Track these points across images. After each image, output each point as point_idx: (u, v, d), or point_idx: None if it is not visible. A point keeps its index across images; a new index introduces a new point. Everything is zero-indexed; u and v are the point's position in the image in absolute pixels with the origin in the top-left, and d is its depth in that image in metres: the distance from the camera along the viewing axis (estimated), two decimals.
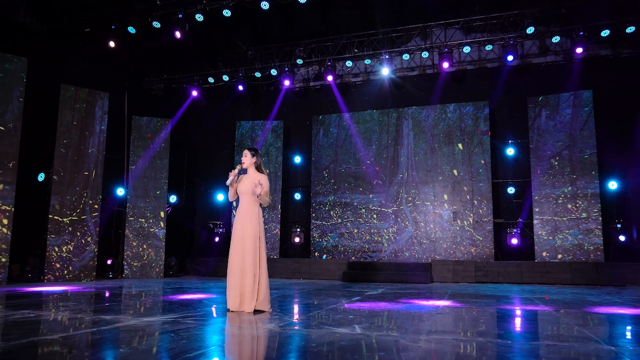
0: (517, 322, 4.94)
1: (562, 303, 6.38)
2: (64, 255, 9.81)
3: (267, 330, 3.97)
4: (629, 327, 4.60)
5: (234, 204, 5.33)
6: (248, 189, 5.23)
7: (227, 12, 9.86)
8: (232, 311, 4.97)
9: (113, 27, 10.46)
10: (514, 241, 10.99)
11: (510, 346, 3.46)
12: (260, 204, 5.33)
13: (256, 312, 4.96)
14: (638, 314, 5.38)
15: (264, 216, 12.22)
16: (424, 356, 3.08)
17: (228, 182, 5.33)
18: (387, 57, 11.77)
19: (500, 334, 4.06)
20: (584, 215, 10.33)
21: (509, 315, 5.38)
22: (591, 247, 10.17)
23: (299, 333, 3.88)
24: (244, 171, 5.40)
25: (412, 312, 5.36)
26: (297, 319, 4.71)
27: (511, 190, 11.38)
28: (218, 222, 12.90)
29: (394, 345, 3.42)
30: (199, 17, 10.03)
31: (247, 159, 5.34)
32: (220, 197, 13.03)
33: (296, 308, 5.79)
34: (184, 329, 3.96)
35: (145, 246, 11.35)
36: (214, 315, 4.93)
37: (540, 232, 10.68)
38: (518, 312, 5.69)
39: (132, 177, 11.47)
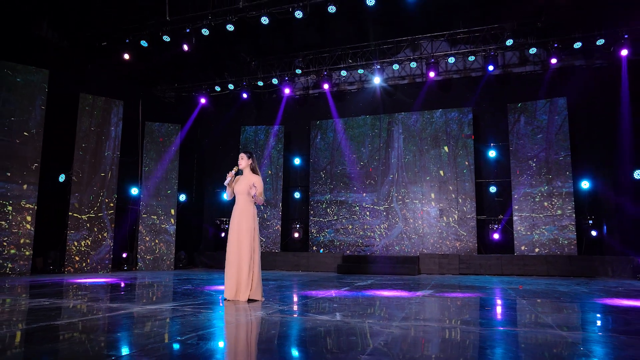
0: (486, 310, 5.00)
1: (533, 293, 6.44)
2: (83, 249, 9.94)
3: (255, 318, 4.06)
4: (587, 315, 4.66)
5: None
6: (244, 189, 5.32)
7: (230, 27, 9.96)
8: (228, 300, 5.07)
9: (127, 40, 10.58)
10: (496, 236, 11.05)
11: (472, 331, 3.54)
12: (255, 203, 5.40)
13: (250, 300, 5.06)
14: (600, 302, 5.43)
15: (267, 214, 12.42)
16: (390, 340, 3.16)
17: (226, 183, 5.43)
18: (378, 67, 11.85)
19: (467, 320, 4.13)
20: (559, 212, 10.37)
21: (480, 304, 5.44)
22: (565, 242, 10.21)
23: (283, 320, 3.96)
24: (240, 172, 5.49)
25: (392, 300, 5.43)
26: (285, 308, 4.79)
27: (493, 189, 11.43)
28: (224, 219, 13.01)
29: (366, 330, 3.50)
30: (205, 32, 10.13)
31: (243, 161, 5.43)
32: (226, 196, 13.12)
33: (287, 297, 5.87)
34: (180, 315, 4.05)
35: (157, 241, 11.48)
36: (211, 303, 5.01)
37: (519, 228, 10.73)
38: (490, 301, 5.75)
39: (145, 178, 11.60)
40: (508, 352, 2.87)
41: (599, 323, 4.20)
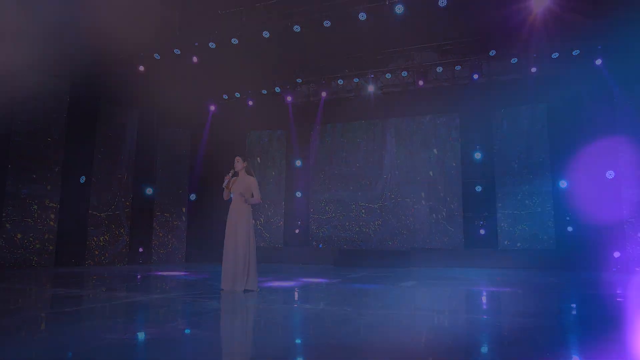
0: (455, 299, 5.06)
1: (506, 284, 6.48)
2: (101, 244, 10.14)
3: (245, 307, 4.17)
4: (543, 304, 4.70)
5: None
6: (240, 190, 5.44)
7: (235, 41, 10.10)
8: (225, 290, 5.18)
9: (141, 54, 10.75)
10: (481, 232, 11.08)
11: (434, 317, 3.62)
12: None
13: (246, 291, 5.17)
14: (562, 294, 5.48)
15: (270, 212, 12.52)
16: (360, 325, 3.26)
17: (224, 185, 5.55)
18: (372, 76, 11.91)
19: (435, 309, 4.21)
20: (539, 209, 10.39)
21: (453, 293, 5.49)
22: (545, 237, 10.23)
23: (272, 308, 4.08)
24: (236, 174, 5.61)
25: (375, 291, 5.52)
26: (276, 297, 4.90)
27: (478, 188, 11.43)
28: None
29: (342, 317, 3.60)
30: (212, 45, 10.27)
31: (239, 164, 5.55)
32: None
33: (281, 288, 5.97)
34: (178, 303, 4.18)
35: (169, 236, 11.65)
36: (209, 293, 5.14)
37: (502, 224, 10.75)
38: (463, 291, 5.80)
39: (159, 179, 11.76)
40: (447, 335, 2.96)
41: (549, 312, 4.25)
